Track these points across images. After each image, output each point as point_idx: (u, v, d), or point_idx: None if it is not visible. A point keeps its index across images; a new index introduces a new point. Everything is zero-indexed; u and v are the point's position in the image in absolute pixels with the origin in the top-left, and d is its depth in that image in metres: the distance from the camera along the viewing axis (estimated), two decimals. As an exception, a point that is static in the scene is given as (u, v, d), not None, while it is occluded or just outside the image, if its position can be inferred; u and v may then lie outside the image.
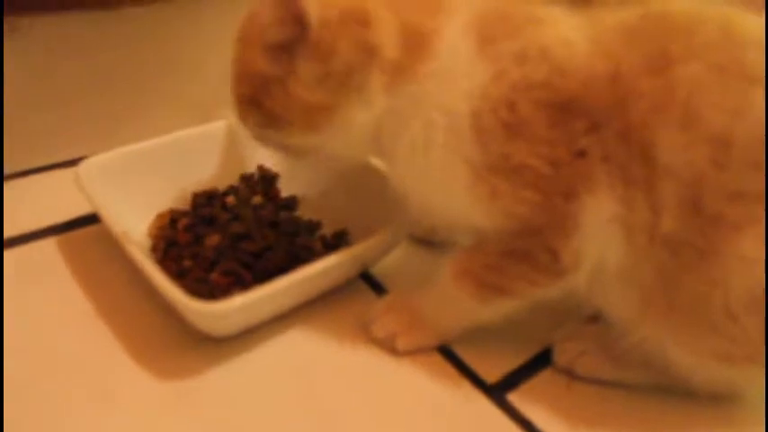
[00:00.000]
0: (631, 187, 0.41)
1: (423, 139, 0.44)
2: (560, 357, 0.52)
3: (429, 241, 0.61)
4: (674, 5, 0.44)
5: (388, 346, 0.51)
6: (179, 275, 0.53)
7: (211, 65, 0.75)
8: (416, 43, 0.44)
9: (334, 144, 0.48)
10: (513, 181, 0.42)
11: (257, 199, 0.63)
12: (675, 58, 0.40)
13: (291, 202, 0.63)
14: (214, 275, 0.53)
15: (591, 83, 0.41)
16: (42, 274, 0.56)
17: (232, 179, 0.65)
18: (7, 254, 0.58)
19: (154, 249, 0.56)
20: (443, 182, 0.45)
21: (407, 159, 0.46)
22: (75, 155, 0.70)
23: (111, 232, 0.51)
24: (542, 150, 0.41)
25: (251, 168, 0.66)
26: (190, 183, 0.63)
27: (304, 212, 0.63)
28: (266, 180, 0.65)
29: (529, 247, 0.44)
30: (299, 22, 0.42)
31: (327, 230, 0.61)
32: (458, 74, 0.43)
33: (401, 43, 0.44)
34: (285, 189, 0.66)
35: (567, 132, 0.41)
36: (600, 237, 0.43)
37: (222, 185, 0.64)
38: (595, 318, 0.52)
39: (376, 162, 0.62)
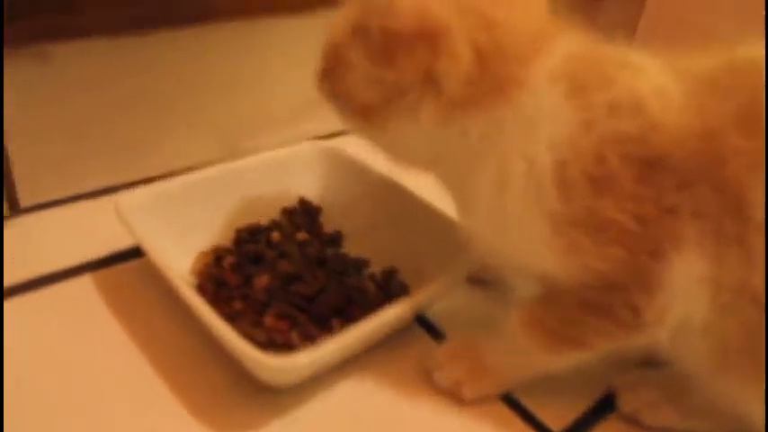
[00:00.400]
0: (722, 244, 0.40)
1: (498, 183, 0.43)
2: (625, 405, 0.51)
3: (480, 280, 0.59)
4: (761, 51, 0.42)
5: (453, 395, 0.49)
6: (230, 318, 0.50)
7: (237, 92, 0.73)
8: (496, 83, 0.42)
9: (389, 146, 0.47)
10: (596, 237, 0.41)
11: (302, 235, 0.61)
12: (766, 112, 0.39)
13: (336, 238, 0.62)
14: (269, 319, 0.51)
15: (683, 138, 0.40)
16: (80, 316, 0.53)
17: (273, 213, 0.63)
18: (38, 294, 0.55)
19: (201, 290, 0.54)
20: (518, 229, 0.43)
21: (478, 200, 0.45)
22: (102, 184, 0.68)
23: (161, 272, 0.49)
24: (629, 206, 0.40)
25: (292, 201, 0.64)
26: (231, 217, 0.61)
27: (349, 248, 0.62)
28: (309, 214, 0.63)
29: (608, 302, 0.43)
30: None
31: (375, 268, 0.59)
32: (542, 120, 0.41)
33: (475, 80, 0.41)
34: (327, 222, 0.64)
35: (657, 188, 0.40)
36: (685, 294, 0.41)
37: (264, 219, 0.62)
38: (656, 362, 0.51)
39: (421, 195, 0.61)
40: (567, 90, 0.41)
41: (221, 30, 0.67)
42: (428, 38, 0.40)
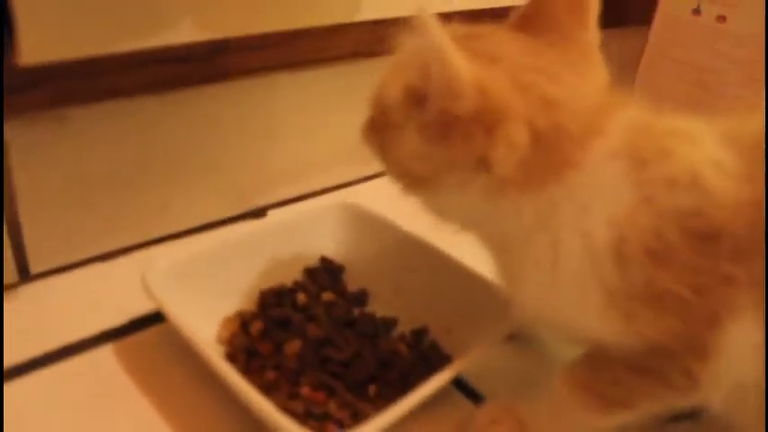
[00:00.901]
0: None
1: (551, 257, 0.42)
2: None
3: (515, 336, 0.59)
4: None
5: (495, 460, 0.48)
6: (265, 389, 0.49)
7: (251, 148, 0.73)
8: (552, 165, 0.41)
9: (434, 207, 0.46)
10: (652, 307, 0.40)
11: (327, 295, 0.60)
12: None
13: (362, 297, 0.61)
14: (305, 390, 0.50)
15: (737, 208, 0.39)
16: (103, 390, 0.51)
17: (296, 273, 0.62)
18: (56, 368, 0.53)
19: (232, 359, 0.52)
20: (571, 301, 0.43)
21: (527, 270, 0.44)
22: (116, 245, 0.66)
23: (191, 343, 0.48)
24: (687, 278, 0.39)
25: (314, 261, 0.63)
26: (254, 279, 0.60)
27: (375, 306, 0.61)
28: (332, 273, 0.63)
29: (661, 367, 0.43)
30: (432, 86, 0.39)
31: (404, 326, 0.59)
32: (601, 198, 0.41)
33: (530, 162, 0.40)
34: (351, 281, 0.63)
35: (713, 259, 0.39)
36: (739, 359, 0.41)
37: (287, 280, 0.61)
38: (698, 415, 0.51)
39: (445, 250, 0.60)
40: (627, 168, 0.40)
41: (234, 87, 0.67)
42: (488, 123, 0.39)
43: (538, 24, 0.44)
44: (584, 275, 0.41)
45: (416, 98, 0.40)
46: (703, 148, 0.41)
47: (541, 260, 0.43)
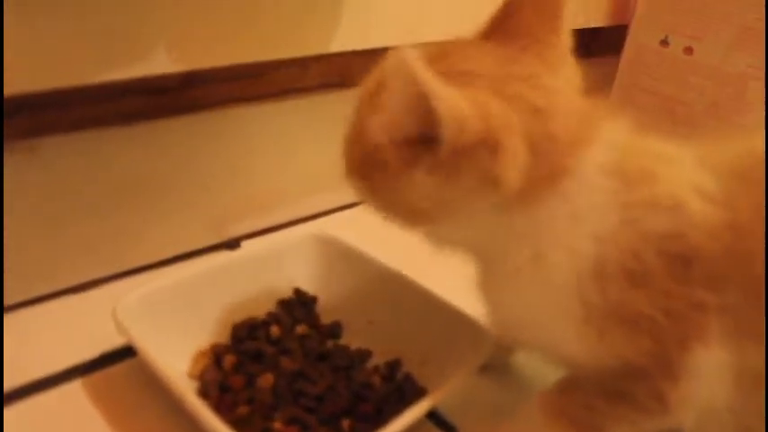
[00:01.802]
0: (745, 337, 0.41)
1: (531, 271, 0.42)
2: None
3: (487, 366, 0.59)
4: None
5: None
6: (237, 425, 0.48)
7: (224, 178, 0.73)
8: (548, 173, 0.40)
9: (427, 234, 0.46)
10: (626, 327, 0.41)
11: (302, 328, 0.59)
12: None
13: (336, 329, 0.61)
14: (278, 425, 0.50)
15: (716, 234, 0.40)
16: (75, 425, 0.50)
17: (269, 305, 0.62)
18: (26, 403, 0.51)
19: (204, 395, 0.52)
20: (550, 314, 0.44)
21: (515, 283, 0.44)
22: (88, 277, 0.65)
23: (164, 380, 0.47)
24: (661, 301, 0.41)
25: (287, 292, 0.63)
26: (226, 312, 0.59)
27: (348, 339, 0.61)
28: (305, 305, 0.62)
29: (633, 389, 0.43)
30: (435, 131, 0.37)
31: (378, 358, 0.58)
32: (590, 214, 0.41)
33: (530, 172, 0.40)
34: (324, 312, 0.63)
35: (688, 285, 0.40)
36: (709, 380, 0.42)
37: (260, 312, 0.61)
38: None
39: (419, 281, 0.60)
40: (615, 187, 0.41)
41: (206, 118, 0.67)
42: (491, 143, 0.38)
43: (508, 30, 0.44)
44: (567, 290, 0.42)
45: (416, 141, 0.39)
46: (685, 172, 0.42)
47: (529, 272, 0.43)
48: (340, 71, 0.73)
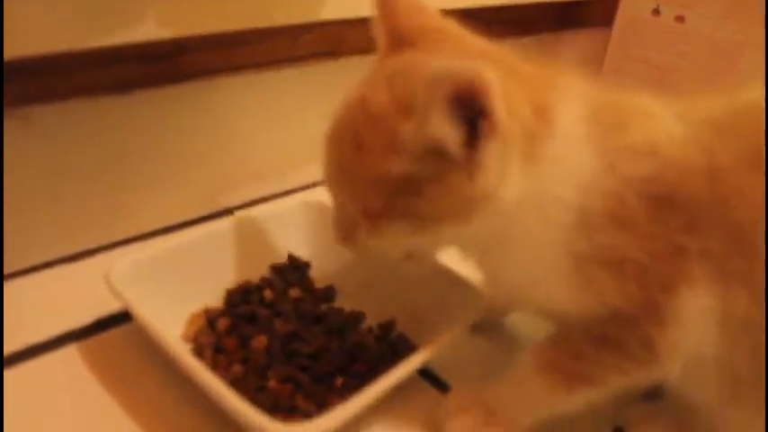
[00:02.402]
0: (731, 282, 0.41)
1: (525, 233, 0.44)
2: (635, 441, 0.51)
3: (478, 326, 0.59)
4: (763, 98, 0.44)
5: (465, 447, 0.49)
6: (231, 384, 0.49)
7: (217, 148, 0.73)
8: (540, 126, 0.43)
9: (475, 230, 0.44)
10: (613, 273, 0.42)
11: (295, 292, 0.60)
12: None
13: (329, 293, 0.61)
14: (272, 383, 0.50)
15: (692, 178, 0.42)
16: (68, 390, 0.50)
17: (263, 270, 0.62)
18: (17, 370, 0.52)
19: (198, 355, 0.52)
20: (542, 273, 0.44)
21: (504, 252, 0.45)
22: (82, 247, 0.66)
23: (159, 340, 0.48)
24: (645, 244, 0.41)
25: (281, 258, 0.63)
26: (220, 277, 0.60)
27: (342, 302, 0.61)
28: (299, 270, 0.63)
29: (621, 337, 0.44)
30: (479, 114, 0.38)
31: (372, 320, 0.59)
32: (572, 163, 0.43)
33: (530, 125, 0.42)
34: (318, 277, 0.63)
35: (668, 228, 0.41)
36: (695, 326, 0.42)
37: (254, 277, 0.61)
38: (660, 394, 0.52)
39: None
40: (591, 134, 0.43)
41: (200, 87, 0.66)
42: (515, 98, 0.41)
43: (407, 41, 0.47)
44: (555, 240, 0.43)
45: (436, 144, 0.40)
46: (659, 122, 0.44)
47: (524, 235, 0.44)
48: (331, 40, 0.73)
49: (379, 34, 0.49)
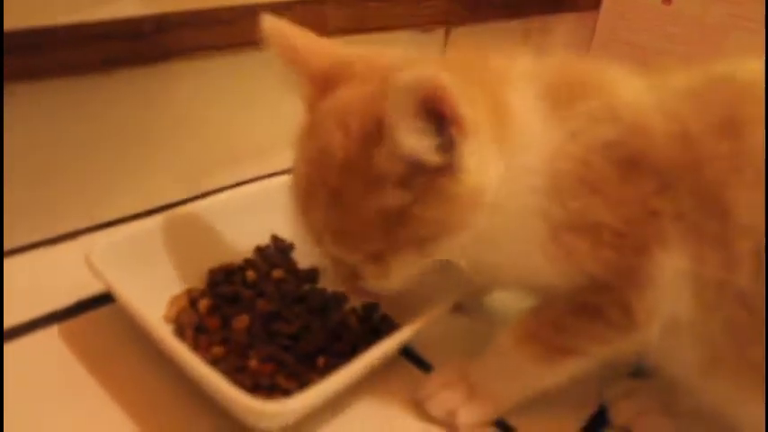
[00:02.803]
0: (704, 244, 0.41)
1: (506, 206, 0.44)
2: (618, 417, 0.51)
3: (459, 307, 0.59)
4: (740, 70, 0.45)
5: (447, 423, 0.49)
6: (212, 364, 0.48)
7: (201, 130, 0.72)
8: (499, 115, 0.44)
9: (468, 238, 0.44)
10: (589, 239, 0.42)
11: (278, 273, 0.59)
12: (746, 122, 0.41)
13: (312, 274, 0.61)
14: (253, 363, 0.50)
15: (660, 141, 0.42)
16: (49, 371, 0.50)
17: (246, 252, 0.61)
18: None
19: (179, 336, 0.51)
20: (520, 248, 0.44)
21: (484, 235, 0.44)
22: (64, 229, 0.65)
23: (139, 320, 0.47)
24: (618, 207, 0.42)
25: (265, 239, 0.63)
26: (203, 258, 0.59)
27: (326, 283, 0.61)
28: (282, 251, 0.62)
29: (600, 304, 0.44)
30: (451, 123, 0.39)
31: (355, 302, 0.58)
32: (534, 139, 0.43)
33: (491, 116, 0.43)
34: (302, 259, 0.63)
35: (640, 191, 0.42)
36: (671, 292, 0.42)
37: (237, 259, 0.60)
38: (643, 371, 0.52)
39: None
40: (547, 109, 0.44)
41: (181, 68, 0.66)
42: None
43: (330, 82, 0.46)
44: (531, 211, 0.43)
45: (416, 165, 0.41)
46: (622, 88, 0.45)
47: (500, 212, 0.44)
48: (314, 20, 0.73)
49: (302, 85, 0.48)
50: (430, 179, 0.41)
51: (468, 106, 0.38)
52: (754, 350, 0.42)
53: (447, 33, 0.91)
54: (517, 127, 0.43)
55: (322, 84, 0.46)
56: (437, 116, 0.38)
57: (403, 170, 0.41)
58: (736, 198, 0.40)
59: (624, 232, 0.42)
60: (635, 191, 0.42)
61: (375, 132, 0.40)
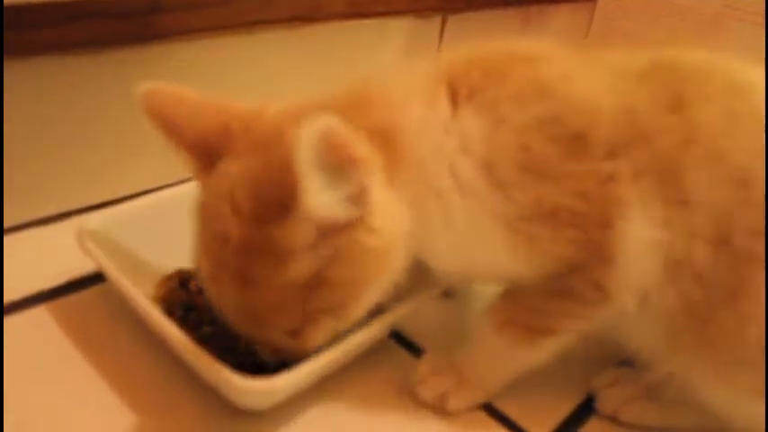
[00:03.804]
0: (667, 204, 0.41)
1: (445, 209, 0.43)
2: (604, 405, 0.51)
3: (448, 291, 0.59)
4: (687, 55, 0.45)
5: (437, 408, 0.49)
6: (200, 342, 0.48)
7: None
8: (386, 139, 0.41)
9: (396, 273, 0.44)
10: (549, 224, 0.42)
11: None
12: (691, 100, 0.42)
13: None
14: (241, 342, 0.49)
15: (602, 114, 0.41)
16: (39, 349, 0.50)
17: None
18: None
19: (169, 315, 0.51)
20: (477, 243, 0.44)
21: (434, 234, 0.44)
22: (57, 210, 0.65)
23: (129, 299, 0.48)
24: (569, 186, 0.41)
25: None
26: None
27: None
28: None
29: (572, 285, 0.44)
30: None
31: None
32: (443, 133, 0.42)
33: (376, 146, 0.41)
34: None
35: (589, 161, 0.41)
36: (640, 263, 0.42)
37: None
38: (631, 362, 0.52)
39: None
40: (452, 98, 0.42)
41: (175, 48, 0.65)
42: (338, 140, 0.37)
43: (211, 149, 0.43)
44: (474, 209, 0.42)
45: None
46: (550, 64, 0.44)
47: (441, 216, 0.43)
48: (310, 6, 0.72)
49: (183, 159, 0.45)
50: (343, 237, 0.39)
51: (362, 146, 0.38)
52: (711, 329, 0.42)
53: (444, 21, 0.91)
54: (420, 137, 0.42)
55: (204, 156, 0.43)
56: (339, 164, 0.36)
57: (312, 235, 0.38)
58: (689, 174, 0.41)
59: (582, 208, 0.41)
60: (584, 162, 0.41)
61: (270, 206, 0.37)
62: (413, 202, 0.42)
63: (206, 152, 0.43)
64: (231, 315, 0.42)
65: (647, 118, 0.42)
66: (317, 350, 0.44)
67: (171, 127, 0.44)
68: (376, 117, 0.41)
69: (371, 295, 0.43)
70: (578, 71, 0.44)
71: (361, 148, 0.37)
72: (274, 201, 0.37)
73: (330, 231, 0.38)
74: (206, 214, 0.42)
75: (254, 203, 0.38)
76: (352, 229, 0.39)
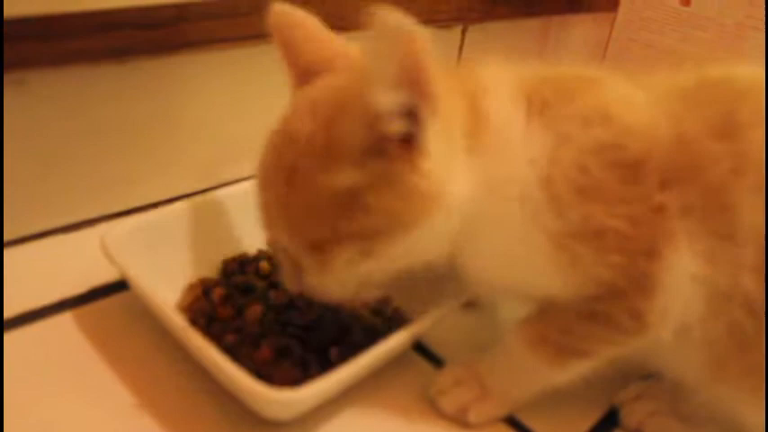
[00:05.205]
0: (714, 241, 0.41)
1: (497, 220, 0.43)
2: (628, 419, 0.51)
3: (471, 303, 0.59)
4: (736, 71, 0.45)
5: (459, 420, 0.49)
6: (223, 351, 0.49)
7: (217, 120, 0.72)
8: (477, 110, 0.43)
9: (430, 236, 0.44)
10: (594, 245, 0.41)
11: (291, 264, 0.59)
12: (744, 123, 0.41)
13: (326, 266, 0.60)
14: (265, 351, 0.50)
15: (660, 142, 0.41)
16: (62, 356, 0.50)
17: (259, 241, 0.62)
18: (14, 334, 0.52)
19: (192, 324, 0.51)
20: (520, 254, 0.44)
21: (482, 230, 0.44)
22: (80, 218, 0.65)
23: (153, 307, 0.48)
24: (620, 210, 0.41)
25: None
26: (217, 248, 0.59)
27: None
28: (296, 243, 0.62)
29: (609, 310, 0.43)
30: (421, 96, 0.38)
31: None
32: (514, 143, 0.43)
33: (466, 108, 0.43)
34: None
35: (642, 189, 0.41)
36: (682, 294, 0.42)
37: (251, 249, 0.61)
38: (657, 376, 0.51)
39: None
40: (529, 113, 0.43)
41: (199, 59, 0.66)
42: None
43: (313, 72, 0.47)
44: (527, 222, 0.42)
45: (379, 140, 0.40)
46: (609, 89, 0.44)
47: (495, 214, 0.43)
48: (336, 12, 0.73)
49: (288, 76, 0.49)
50: (388, 163, 0.40)
51: (439, 88, 0.38)
52: (754, 355, 0.42)
53: (464, 31, 0.91)
54: (496, 134, 0.43)
55: (304, 77, 0.47)
56: (410, 83, 0.37)
57: (363, 143, 0.40)
58: (739, 201, 0.40)
59: (630, 234, 0.41)
60: (637, 189, 0.41)
61: (340, 117, 0.40)
62: (478, 182, 0.43)
63: (307, 75, 0.46)
64: (270, 212, 0.45)
65: (697, 146, 0.41)
66: (335, 296, 0.46)
67: (286, 45, 0.48)
68: (477, 85, 0.44)
69: (401, 245, 0.43)
70: (637, 96, 0.44)
71: (438, 86, 0.38)
72: (340, 114, 0.40)
73: (379, 153, 0.40)
74: (286, 119, 0.45)
75: (327, 112, 0.41)
76: (400, 161, 0.40)
